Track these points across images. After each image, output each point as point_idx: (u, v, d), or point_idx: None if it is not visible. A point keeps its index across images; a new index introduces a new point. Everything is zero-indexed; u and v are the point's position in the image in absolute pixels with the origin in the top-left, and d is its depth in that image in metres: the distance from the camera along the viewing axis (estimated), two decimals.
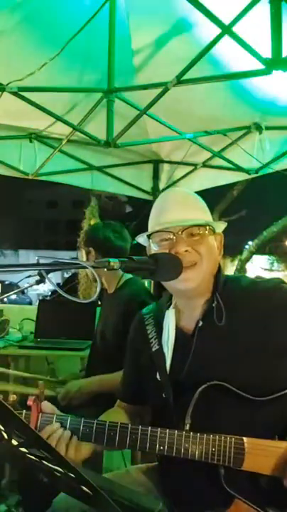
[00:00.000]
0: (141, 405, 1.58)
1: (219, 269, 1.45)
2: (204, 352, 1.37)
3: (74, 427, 1.31)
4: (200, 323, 1.39)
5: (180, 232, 1.37)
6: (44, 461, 0.92)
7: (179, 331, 1.43)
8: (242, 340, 1.34)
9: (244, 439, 1.24)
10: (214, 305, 1.39)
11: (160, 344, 1.45)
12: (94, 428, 1.29)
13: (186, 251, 1.35)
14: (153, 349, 1.46)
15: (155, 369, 1.44)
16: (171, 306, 1.47)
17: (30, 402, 1.31)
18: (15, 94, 2.61)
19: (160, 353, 1.44)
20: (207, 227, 1.40)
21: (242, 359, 1.32)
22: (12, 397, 1.35)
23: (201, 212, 1.44)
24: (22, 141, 3.84)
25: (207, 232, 1.40)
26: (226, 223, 1.50)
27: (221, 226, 1.48)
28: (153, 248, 1.42)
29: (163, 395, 1.39)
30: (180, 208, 1.41)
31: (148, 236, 1.44)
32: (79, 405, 2.24)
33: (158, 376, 1.43)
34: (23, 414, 1.31)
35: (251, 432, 1.26)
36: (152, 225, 1.45)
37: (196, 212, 1.43)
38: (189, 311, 1.44)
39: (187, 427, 1.27)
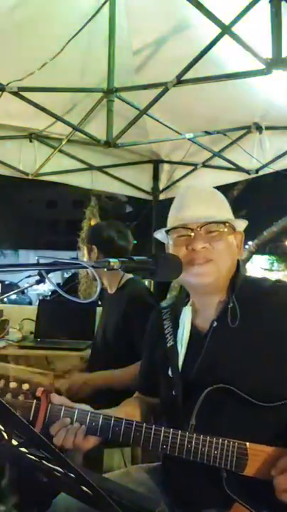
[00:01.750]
0: (158, 398, 1.56)
1: (238, 269, 1.43)
2: (215, 353, 1.36)
3: (80, 420, 1.31)
4: (215, 324, 1.38)
5: (198, 229, 1.35)
6: (44, 461, 0.92)
7: (194, 329, 1.42)
8: (255, 344, 1.33)
9: (247, 444, 1.23)
10: (229, 306, 1.37)
11: (175, 340, 1.44)
12: (100, 422, 1.29)
13: (203, 247, 1.34)
14: (168, 345, 1.46)
15: (167, 365, 1.44)
16: (188, 303, 1.45)
17: (39, 394, 1.31)
18: (15, 94, 2.61)
19: (174, 349, 1.43)
20: (227, 225, 1.38)
21: (253, 363, 1.31)
22: (25, 386, 1.34)
23: (221, 209, 1.42)
24: (22, 141, 3.84)
25: (226, 229, 1.38)
26: (246, 221, 1.46)
27: (242, 224, 1.45)
28: (170, 243, 1.41)
29: (173, 392, 1.39)
30: (199, 204, 1.39)
31: (167, 231, 1.43)
32: (84, 399, 2.23)
33: (169, 372, 1.42)
34: (34, 404, 1.31)
35: (256, 438, 1.24)
36: (171, 220, 1.43)
37: (216, 208, 1.40)
38: (204, 309, 1.43)
39: (192, 428, 1.26)
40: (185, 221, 1.37)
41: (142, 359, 1.66)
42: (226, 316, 1.37)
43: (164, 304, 1.60)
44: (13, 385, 1.34)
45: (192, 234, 1.35)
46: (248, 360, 1.32)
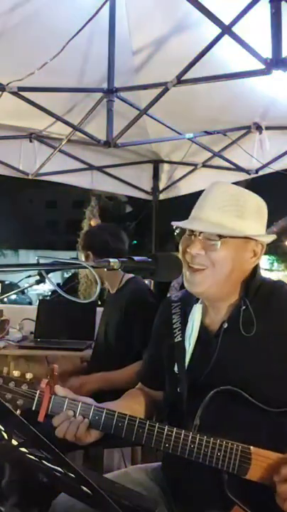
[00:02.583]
0: (161, 391, 1.54)
1: (255, 274, 1.40)
2: (224, 355, 1.35)
3: (83, 414, 1.30)
4: (225, 325, 1.37)
5: (198, 234, 1.34)
6: (44, 461, 0.92)
7: (203, 329, 1.41)
8: (268, 348, 1.31)
9: (251, 448, 1.22)
10: (242, 309, 1.35)
11: (183, 336, 1.43)
12: (103, 417, 1.29)
13: (198, 254, 1.32)
14: (176, 340, 1.44)
15: (173, 360, 1.42)
16: (199, 301, 1.43)
17: (43, 385, 1.31)
18: (15, 94, 2.61)
19: (182, 345, 1.42)
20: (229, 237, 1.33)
21: (262, 368, 1.30)
22: (28, 375, 1.33)
23: (235, 218, 1.34)
24: (22, 141, 3.84)
25: (226, 239, 1.32)
26: (273, 236, 1.39)
27: (267, 239, 1.39)
28: (184, 236, 1.40)
29: (178, 390, 1.38)
30: (212, 209, 1.35)
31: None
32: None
33: (175, 368, 1.41)
34: (37, 394, 1.30)
35: (260, 443, 1.23)
36: (191, 215, 1.42)
37: (230, 218, 1.34)
38: (213, 312, 1.42)
39: (196, 428, 1.25)
40: (191, 221, 1.37)
41: (148, 350, 1.64)
42: (237, 318, 1.35)
43: (175, 297, 1.58)
44: (16, 373, 1.33)
45: (192, 237, 1.35)
46: (257, 364, 1.31)
